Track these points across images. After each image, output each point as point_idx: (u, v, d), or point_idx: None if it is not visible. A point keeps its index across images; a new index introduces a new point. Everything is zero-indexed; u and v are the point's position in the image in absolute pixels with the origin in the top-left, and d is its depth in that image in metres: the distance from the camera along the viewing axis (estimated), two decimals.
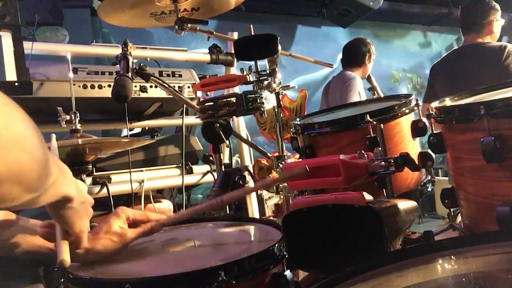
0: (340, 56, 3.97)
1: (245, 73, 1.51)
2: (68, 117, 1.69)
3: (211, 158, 2.43)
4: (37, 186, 0.64)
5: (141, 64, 1.59)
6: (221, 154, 1.65)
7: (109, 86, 2.01)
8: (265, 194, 2.19)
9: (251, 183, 1.59)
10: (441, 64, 3.19)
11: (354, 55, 3.80)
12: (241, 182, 1.42)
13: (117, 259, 1.01)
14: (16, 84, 1.71)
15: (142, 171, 2.25)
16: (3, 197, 0.57)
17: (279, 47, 1.45)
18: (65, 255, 0.84)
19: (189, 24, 1.76)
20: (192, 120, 2.48)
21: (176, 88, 1.69)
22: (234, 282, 0.82)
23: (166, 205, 2.41)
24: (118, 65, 1.57)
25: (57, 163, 0.72)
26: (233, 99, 1.36)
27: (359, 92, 3.55)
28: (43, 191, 0.66)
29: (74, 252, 0.91)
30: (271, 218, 2.11)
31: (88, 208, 0.90)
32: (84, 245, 0.90)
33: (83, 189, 0.88)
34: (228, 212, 1.42)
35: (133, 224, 1.04)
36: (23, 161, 0.57)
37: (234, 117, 1.50)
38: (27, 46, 1.81)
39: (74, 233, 0.87)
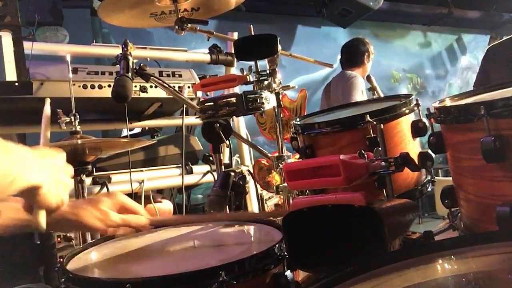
0: (340, 56, 3.97)
1: (245, 73, 1.51)
2: (68, 119, 1.69)
3: (211, 158, 2.44)
4: None
5: (141, 64, 1.59)
6: (221, 154, 1.65)
7: (109, 86, 2.01)
8: (265, 194, 2.19)
9: (251, 183, 1.59)
10: (497, 48, 3.09)
11: (353, 55, 3.80)
12: (241, 182, 1.42)
13: (117, 259, 1.01)
14: (16, 84, 1.71)
15: (142, 171, 2.25)
16: None
17: (279, 47, 1.45)
18: (42, 221, 0.87)
19: (189, 24, 1.76)
20: (192, 120, 2.48)
21: (176, 88, 1.69)
22: (234, 282, 0.82)
23: (166, 205, 2.41)
24: (118, 65, 1.57)
25: (18, 156, 0.74)
26: (233, 99, 1.36)
27: (361, 91, 3.54)
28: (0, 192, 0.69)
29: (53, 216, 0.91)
30: (271, 218, 2.11)
31: (65, 182, 0.89)
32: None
33: (59, 166, 0.88)
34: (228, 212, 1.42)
35: (121, 211, 1.03)
36: None
37: (234, 117, 1.50)
38: (27, 46, 1.81)
39: (53, 210, 0.87)
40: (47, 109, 1.10)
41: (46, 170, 0.83)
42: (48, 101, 1.11)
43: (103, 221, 0.99)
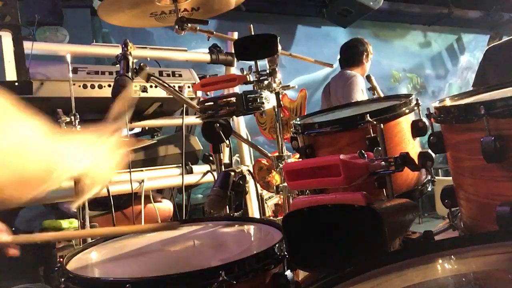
0: (339, 56, 3.97)
1: (245, 73, 1.51)
2: (68, 119, 1.69)
3: (211, 158, 2.43)
4: (39, 185, 0.66)
5: (141, 64, 1.59)
6: (221, 154, 1.65)
7: (109, 86, 2.01)
8: (265, 194, 2.19)
9: (251, 183, 1.59)
10: (497, 49, 3.10)
11: (351, 55, 3.81)
12: (241, 182, 1.42)
13: (117, 259, 1.01)
14: (16, 84, 1.71)
15: (142, 171, 2.25)
16: (6, 201, 0.60)
17: (279, 47, 1.45)
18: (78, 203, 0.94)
19: (189, 24, 1.76)
20: (192, 120, 2.48)
21: (176, 88, 1.69)
22: (234, 282, 0.82)
23: (166, 205, 2.41)
24: (118, 65, 1.57)
25: (62, 149, 0.75)
26: (233, 99, 1.36)
27: (362, 90, 3.54)
28: (47, 185, 0.69)
29: None
30: (271, 218, 2.11)
31: (108, 172, 0.91)
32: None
33: (102, 156, 0.89)
34: (228, 212, 1.42)
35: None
36: (20, 168, 0.59)
37: (234, 117, 1.50)
38: (27, 46, 1.81)
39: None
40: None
41: (90, 157, 0.85)
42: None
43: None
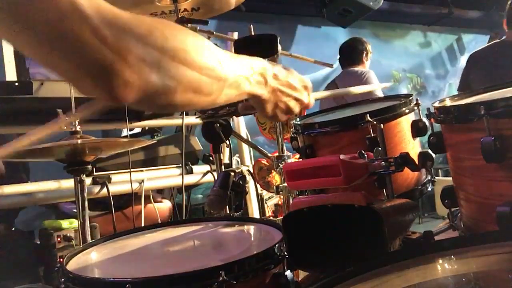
0: (338, 56, 3.98)
1: None
2: (68, 119, 1.68)
3: (211, 158, 2.43)
4: (211, 92, 0.73)
5: None
6: (221, 154, 1.65)
7: None
8: (265, 194, 2.19)
9: (251, 183, 1.59)
10: (478, 55, 3.18)
11: (352, 54, 3.82)
12: (241, 182, 1.42)
13: (117, 259, 1.01)
14: (16, 84, 1.71)
15: (142, 171, 2.25)
16: (183, 103, 0.71)
17: (279, 47, 1.45)
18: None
19: (189, 24, 1.76)
20: (192, 120, 2.48)
21: None
22: (234, 282, 0.82)
23: (166, 205, 2.41)
24: None
25: (243, 66, 0.82)
26: None
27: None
28: (220, 94, 0.76)
29: None
30: (271, 218, 2.11)
31: (295, 95, 0.96)
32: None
33: (280, 76, 0.92)
34: (228, 212, 1.42)
35: None
36: (188, 73, 0.68)
37: (234, 117, 1.50)
38: None
39: (282, 117, 0.97)
40: None
41: (270, 85, 0.89)
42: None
43: None
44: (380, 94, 3.40)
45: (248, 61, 0.85)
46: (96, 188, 2.02)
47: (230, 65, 0.78)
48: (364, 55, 3.80)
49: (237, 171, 1.45)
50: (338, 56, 3.95)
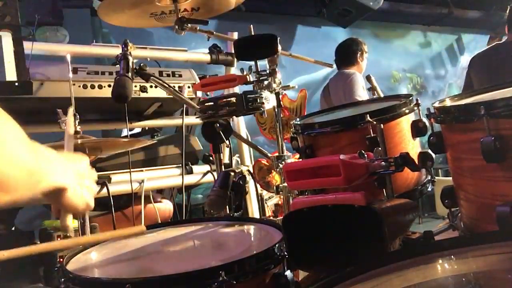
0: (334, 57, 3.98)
1: (245, 73, 1.51)
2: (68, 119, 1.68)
3: (211, 158, 2.43)
4: (14, 188, 0.64)
5: (141, 64, 1.59)
6: (221, 154, 1.65)
7: (109, 86, 2.00)
8: (265, 194, 2.19)
9: (251, 183, 1.59)
10: (480, 57, 3.19)
11: (346, 54, 3.82)
12: (241, 182, 1.42)
13: (117, 259, 1.01)
14: (16, 84, 1.70)
15: (142, 171, 2.25)
16: None
17: (279, 47, 1.45)
18: (69, 222, 0.89)
19: (189, 24, 1.76)
20: (192, 120, 2.48)
21: (176, 88, 1.69)
22: (234, 282, 0.82)
23: (166, 205, 2.41)
24: (118, 65, 1.57)
25: (44, 156, 0.74)
26: (233, 99, 1.36)
27: (362, 87, 3.56)
28: (23, 190, 0.67)
29: None
30: (271, 218, 2.11)
31: (90, 187, 0.90)
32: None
33: (83, 171, 0.88)
34: (228, 212, 1.42)
35: None
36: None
37: (234, 117, 1.50)
38: (27, 46, 1.81)
39: (78, 213, 0.89)
40: (70, 121, 1.10)
41: (71, 172, 0.83)
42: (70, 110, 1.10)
43: None
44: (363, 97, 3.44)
45: (43, 149, 0.76)
46: (96, 188, 2.02)
47: (37, 154, 0.71)
48: (358, 55, 3.79)
49: (237, 171, 1.45)
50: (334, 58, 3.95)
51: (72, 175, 0.84)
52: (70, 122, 1.09)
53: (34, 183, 0.70)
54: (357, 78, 3.58)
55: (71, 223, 0.90)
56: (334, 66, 3.64)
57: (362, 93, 3.48)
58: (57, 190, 0.80)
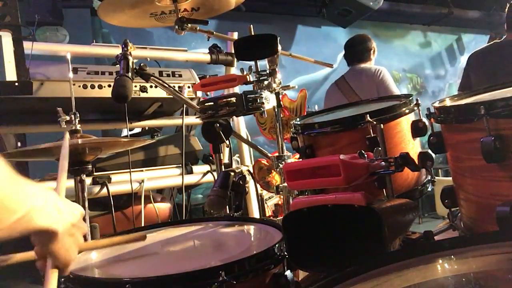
0: (340, 55, 3.95)
1: (245, 73, 1.51)
2: (68, 118, 1.69)
3: (211, 158, 2.43)
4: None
5: (141, 64, 1.59)
6: (221, 154, 1.65)
7: (109, 86, 2.01)
8: (265, 194, 2.19)
9: (251, 183, 1.59)
10: (479, 54, 3.19)
11: (360, 51, 3.74)
12: (241, 182, 1.42)
13: (117, 259, 1.01)
14: (16, 84, 1.70)
15: (142, 171, 2.25)
16: None
17: (279, 47, 1.45)
18: (52, 286, 0.80)
19: (189, 24, 1.76)
20: (192, 120, 2.48)
21: (176, 88, 1.69)
22: (234, 282, 0.82)
23: (166, 205, 2.41)
24: (118, 65, 1.57)
25: (29, 192, 0.69)
26: (233, 99, 1.36)
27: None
28: (8, 229, 0.63)
29: None
30: (271, 218, 2.11)
31: (79, 238, 0.82)
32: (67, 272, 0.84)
33: (74, 219, 0.81)
34: (228, 212, 1.42)
35: None
36: None
37: (234, 117, 1.50)
38: (27, 46, 1.81)
39: (60, 264, 0.80)
40: (65, 149, 1.00)
41: (61, 219, 0.76)
42: (67, 136, 1.02)
43: None
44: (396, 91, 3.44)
45: (35, 188, 0.71)
46: (96, 188, 2.02)
47: (19, 193, 0.65)
48: (371, 52, 3.77)
49: (237, 171, 1.45)
50: (343, 52, 3.88)
51: (64, 220, 0.77)
52: (65, 153, 0.98)
53: (14, 222, 0.65)
54: (388, 74, 3.59)
55: (55, 283, 0.80)
56: (335, 66, 3.61)
57: (395, 88, 3.52)
58: (44, 233, 0.74)
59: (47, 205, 0.73)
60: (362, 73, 3.66)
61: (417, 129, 1.23)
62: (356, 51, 3.80)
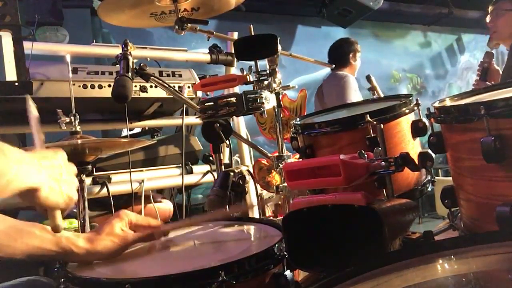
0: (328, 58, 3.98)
1: (245, 73, 1.51)
2: (67, 119, 1.69)
3: (211, 158, 2.43)
4: None
5: (141, 64, 1.59)
6: (221, 154, 1.65)
7: (109, 86, 2.01)
8: (265, 194, 2.19)
9: (251, 183, 1.59)
10: None
11: (338, 56, 3.81)
12: (241, 182, 1.42)
13: (117, 259, 1.01)
14: (16, 84, 1.71)
15: (142, 171, 2.25)
16: None
17: (279, 47, 1.45)
18: (58, 221, 0.88)
19: (189, 24, 1.76)
20: (192, 120, 2.48)
21: (176, 88, 1.69)
22: (234, 282, 0.82)
23: (166, 205, 2.41)
24: (118, 65, 1.57)
25: (14, 157, 0.75)
26: (233, 99, 1.36)
27: (355, 90, 3.57)
28: None
29: (74, 253, 0.94)
30: (271, 218, 2.11)
31: (68, 180, 0.88)
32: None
33: (58, 165, 0.87)
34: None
35: (134, 228, 1.05)
36: None
37: (234, 117, 1.50)
38: (27, 46, 1.81)
39: (63, 209, 0.88)
40: (32, 110, 1.10)
41: (44, 171, 0.83)
42: (29, 99, 1.10)
43: (122, 244, 1.01)
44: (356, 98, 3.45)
45: (17, 152, 0.77)
46: (96, 188, 2.02)
47: (7, 157, 0.73)
48: (351, 56, 3.79)
49: (237, 171, 1.45)
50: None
51: (46, 173, 0.83)
52: (34, 115, 1.08)
53: (4, 185, 0.72)
54: (350, 81, 3.60)
55: (61, 222, 0.89)
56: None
57: (354, 97, 3.51)
58: (29, 191, 0.80)
59: (23, 165, 0.78)
60: (333, 80, 3.73)
61: (417, 129, 1.23)
62: (333, 56, 3.85)
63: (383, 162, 0.98)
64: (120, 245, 1.00)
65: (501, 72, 2.96)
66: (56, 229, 0.89)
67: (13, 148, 0.76)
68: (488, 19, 2.97)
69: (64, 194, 0.86)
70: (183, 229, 1.24)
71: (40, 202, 0.83)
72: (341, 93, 3.54)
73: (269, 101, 1.42)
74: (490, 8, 2.96)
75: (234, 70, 2.49)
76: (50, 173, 0.84)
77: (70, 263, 1.01)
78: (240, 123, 2.50)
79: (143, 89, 2.13)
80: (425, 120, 1.21)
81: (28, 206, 0.95)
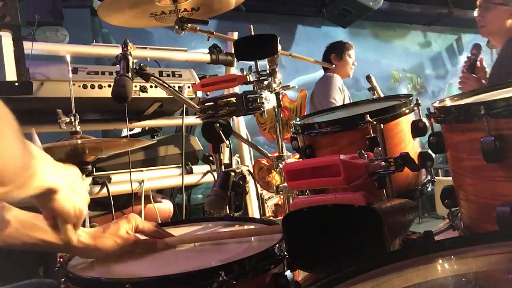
0: None
1: (245, 73, 1.51)
2: (67, 119, 1.69)
3: (211, 158, 2.43)
4: (9, 180, 0.65)
5: (141, 64, 1.59)
6: (221, 154, 1.65)
7: (109, 86, 2.01)
8: (265, 194, 2.19)
9: (251, 183, 1.59)
10: None
11: (324, 58, 3.97)
12: (241, 182, 1.42)
13: (117, 259, 1.01)
14: (16, 84, 1.71)
15: (142, 171, 2.25)
16: None
17: (279, 47, 1.45)
18: (71, 234, 0.89)
19: (189, 24, 1.76)
20: (192, 120, 2.48)
21: (176, 88, 1.69)
22: (234, 282, 0.82)
23: (166, 205, 2.41)
24: (118, 65, 1.57)
25: (37, 155, 0.74)
26: (233, 99, 1.36)
27: (339, 88, 3.64)
28: (18, 184, 0.68)
29: (75, 247, 0.94)
30: (271, 218, 2.11)
31: (83, 194, 0.89)
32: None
33: (74, 177, 0.88)
34: (228, 212, 1.42)
35: (139, 233, 1.06)
36: None
37: (234, 117, 1.50)
38: (27, 46, 1.81)
39: (71, 220, 0.88)
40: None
41: (61, 175, 0.83)
42: (34, 132, 1.13)
43: (123, 246, 1.02)
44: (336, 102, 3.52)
45: (37, 149, 0.76)
46: (96, 188, 2.02)
47: (30, 152, 0.71)
48: (332, 56, 3.92)
49: (237, 171, 1.45)
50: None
51: (63, 178, 0.83)
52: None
53: (26, 179, 0.70)
54: (333, 80, 3.73)
55: (73, 235, 0.90)
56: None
57: (337, 96, 3.59)
58: (48, 191, 0.79)
59: (46, 164, 0.78)
60: (319, 81, 3.92)
61: (417, 129, 1.23)
62: (322, 58, 3.96)
63: (383, 162, 0.98)
64: (121, 246, 1.01)
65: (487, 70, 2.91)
66: (69, 243, 0.89)
67: (34, 146, 0.76)
68: (476, 12, 2.85)
69: (77, 206, 0.86)
70: (183, 229, 1.24)
71: (55, 206, 0.82)
72: (325, 92, 3.68)
73: (269, 101, 1.42)
74: (479, 1, 2.83)
75: (234, 70, 2.49)
76: (67, 181, 0.84)
77: (69, 263, 1.01)
78: (240, 123, 2.50)
79: (143, 89, 2.13)
80: (425, 120, 1.21)
81: (29, 207, 0.95)
